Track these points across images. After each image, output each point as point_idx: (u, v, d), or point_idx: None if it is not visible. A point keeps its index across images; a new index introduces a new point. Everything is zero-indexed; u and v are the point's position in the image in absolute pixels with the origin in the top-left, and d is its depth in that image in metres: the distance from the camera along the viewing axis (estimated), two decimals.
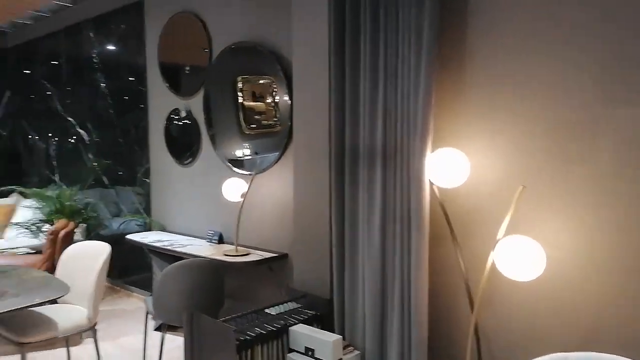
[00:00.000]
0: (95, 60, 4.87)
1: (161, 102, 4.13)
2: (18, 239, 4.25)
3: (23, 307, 2.07)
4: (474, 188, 2.12)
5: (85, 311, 2.63)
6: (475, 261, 2.09)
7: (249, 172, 3.31)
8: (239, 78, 3.40)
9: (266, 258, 3.07)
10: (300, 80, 2.69)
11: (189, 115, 3.85)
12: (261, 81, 3.24)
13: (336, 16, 2.42)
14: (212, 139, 3.67)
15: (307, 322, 2.32)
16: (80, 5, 4.95)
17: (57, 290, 2.28)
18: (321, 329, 2.26)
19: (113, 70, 4.72)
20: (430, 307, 2.18)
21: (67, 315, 2.61)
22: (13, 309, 2.03)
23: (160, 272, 3.72)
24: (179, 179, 4.03)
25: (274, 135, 3.22)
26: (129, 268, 4.54)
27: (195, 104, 3.81)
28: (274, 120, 3.18)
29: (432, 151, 2.04)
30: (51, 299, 2.19)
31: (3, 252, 4.04)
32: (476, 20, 2.10)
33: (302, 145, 2.69)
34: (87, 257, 2.76)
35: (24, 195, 4.68)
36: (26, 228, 4.11)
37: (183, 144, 3.96)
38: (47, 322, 2.47)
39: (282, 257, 3.15)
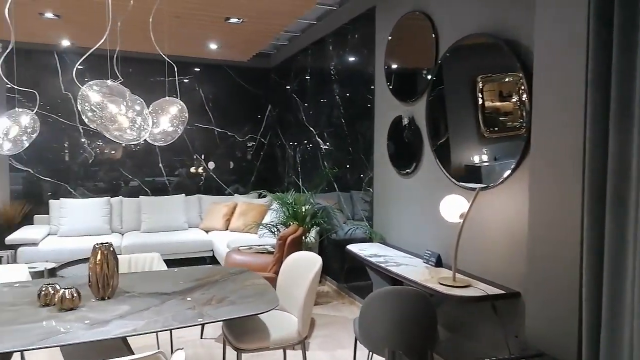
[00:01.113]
0: (332, 72, 5.11)
1: (385, 110, 3.99)
2: (265, 238, 4.78)
3: (233, 318, 2.17)
4: None
5: (296, 323, 2.65)
6: None
7: (474, 186, 2.81)
8: (478, 77, 2.92)
9: (490, 295, 2.53)
10: (543, 76, 2.08)
11: (411, 122, 3.58)
12: (506, 79, 2.70)
13: None
14: (437, 147, 3.30)
15: None
16: (324, 21, 5.28)
17: (268, 304, 2.32)
18: None
19: (346, 80, 4.85)
20: None
21: (280, 324, 2.68)
22: (223, 319, 2.14)
23: (376, 285, 3.57)
24: (399, 190, 3.81)
25: (517, 139, 2.62)
26: (354, 274, 4.58)
27: (418, 110, 3.51)
28: (520, 122, 2.59)
29: None
30: (259, 313, 2.23)
31: (251, 247, 4.60)
32: None
33: (543, 156, 2.08)
34: (302, 267, 2.79)
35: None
36: (269, 229, 4.57)
37: (404, 153, 3.72)
38: (260, 331, 2.57)
39: (512, 296, 2.55)
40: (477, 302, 2.55)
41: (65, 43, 5.98)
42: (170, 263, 5.59)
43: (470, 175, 2.97)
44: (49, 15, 4.75)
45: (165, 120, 2.54)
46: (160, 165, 6.78)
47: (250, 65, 7.09)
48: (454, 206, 2.72)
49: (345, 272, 4.77)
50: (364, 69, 4.42)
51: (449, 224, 2.85)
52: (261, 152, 7.35)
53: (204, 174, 7.03)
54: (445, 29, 3.23)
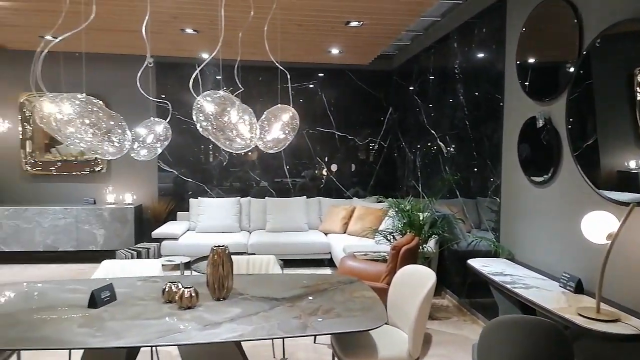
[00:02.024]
0: (456, 71, 4.78)
1: (516, 111, 3.58)
2: (382, 244, 4.65)
3: (336, 333, 2.09)
4: None
5: (406, 341, 2.48)
6: None
7: (628, 199, 2.34)
8: (636, 69, 2.43)
9: None
10: None
11: (548, 123, 3.14)
12: None
13: None
14: (580, 151, 2.84)
15: None
16: (448, 17, 4.97)
17: (375, 320, 2.20)
18: None
19: (471, 79, 4.49)
20: None
21: (390, 340, 2.54)
22: (327, 333, 2.07)
23: (502, 307, 3.21)
24: (531, 200, 3.37)
25: None
26: (477, 289, 4.21)
27: (557, 109, 3.06)
28: None
29: None
30: (364, 330, 2.12)
31: (366, 254, 4.51)
32: None
33: None
34: (414, 282, 2.61)
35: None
36: (384, 236, 4.43)
37: (538, 159, 3.28)
38: (369, 347, 2.46)
39: None
40: (627, 341, 2.11)
41: (204, 56, 6.55)
42: (291, 263, 5.82)
43: (622, 183, 2.48)
44: (189, 31, 5.23)
45: (277, 127, 2.58)
46: (285, 167, 7.06)
47: (372, 68, 7.01)
48: (599, 225, 2.29)
49: (467, 287, 4.41)
50: (492, 66, 4.03)
51: (592, 244, 2.42)
52: (381, 155, 7.23)
53: (325, 176, 7.14)
54: (591, 15, 2.76)
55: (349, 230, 6.15)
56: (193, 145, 6.79)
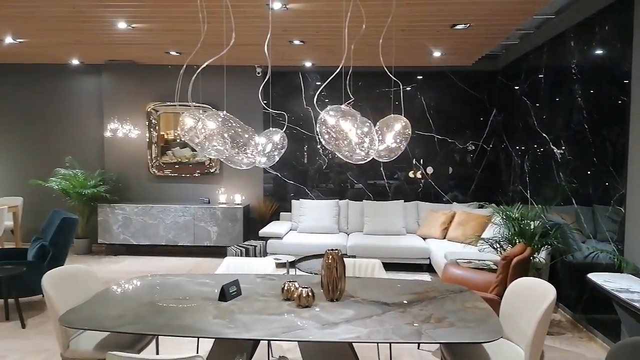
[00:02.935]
0: (573, 71, 4.48)
1: None
2: (486, 253, 4.52)
3: (453, 343, 2.11)
4: None
5: (522, 356, 2.42)
6: None
7: None
8: None
9: None
10: None
11: None
12: None
13: None
14: None
15: None
16: (565, 14, 4.68)
17: (490, 333, 2.19)
18: None
19: (590, 80, 4.19)
20: None
21: (503, 354, 2.50)
22: (443, 342, 2.11)
23: (628, 328, 2.99)
24: None
25: None
26: (596, 305, 3.93)
27: None
28: None
29: None
30: (482, 342, 2.12)
31: (470, 262, 4.41)
32: None
33: None
34: (531, 297, 2.53)
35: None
36: (490, 245, 4.30)
37: None
38: (480, 357, 2.44)
39: None
40: None
41: (308, 64, 6.84)
42: (389, 266, 5.84)
43: None
44: (296, 42, 5.50)
45: (389, 137, 2.65)
46: (382, 169, 7.12)
47: (475, 68, 6.80)
48: None
49: (584, 302, 4.13)
50: (616, 66, 3.74)
51: None
52: (483, 159, 6.98)
53: (422, 180, 7.07)
54: None
55: (449, 236, 6.04)
56: (295, 149, 7.11)
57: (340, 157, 2.28)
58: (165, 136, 7.23)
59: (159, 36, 5.37)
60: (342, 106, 2.21)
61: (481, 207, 5.83)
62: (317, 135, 2.34)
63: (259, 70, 6.97)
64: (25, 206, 6.98)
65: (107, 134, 7.14)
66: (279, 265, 5.41)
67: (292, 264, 5.08)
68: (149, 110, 7.13)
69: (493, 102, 6.88)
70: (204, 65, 2.62)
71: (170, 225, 6.68)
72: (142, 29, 5.07)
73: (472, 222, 5.85)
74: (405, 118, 2.76)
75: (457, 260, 4.53)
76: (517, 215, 4.20)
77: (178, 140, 7.17)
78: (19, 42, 5.72)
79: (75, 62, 7.08)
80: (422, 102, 7.02)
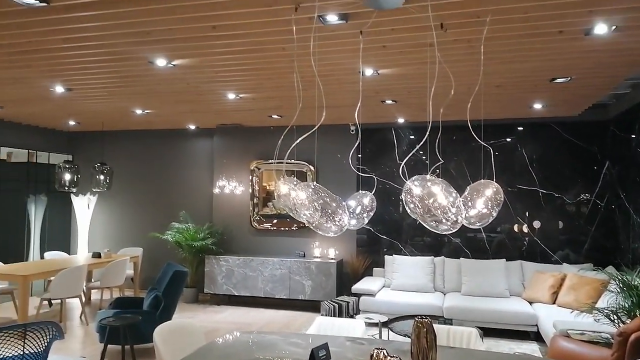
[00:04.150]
0: None
1: None
2: (601, 324, 4.05)
3: None
4: None
5: None
6: None
7: None
8: None
9: None
10: None
11: None
12: None
13: None
14: None
15: None
16: None
17: None
18: None
19: None
20: None
21: None
22: None
23: None
24: None
25: None
26: None
27: None
28: None
29: None
30: None
31: (583, 333, 3.97)
32: None
33: None
34: None
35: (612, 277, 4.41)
36: (606, 315, 3.85)
37: None
38: None
39: None
40: None
41: (400, 120, 6.96)
42: (490, 332, 5.48)
43: None
44: (388, 101, 5.68)
45: (480, 202, 2.60)
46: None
47: (582, 119, 6.39)
48: None
49: None
50: None
51: None
52: (596, 215, 6.37)
53: (527, 237, 6.62)
54: None
55: (559, 301, 5.51)
56: (388, 203, 7.13)
57: (427, 227, 2.30)
58: (267, 187, 7.68)
59: (263, 102, 5.89)
60: (427, 176, 2.25)
61: (596, 270, 5.28)
62: (403, 194, 2.38)
63: (352, 128, 7.24)
64: (144, 256, 7.77)
65: (216, 190, 7.81)
66: (371, 324, 5.35)
67: (385, 324, 4.99)
68: (252, 168, 7.70)
69: (605, 154, 6.35)
70: (300, 140, 2.84)
71: (268, 277, 6.97)
72: (248, 98, 5.61)
73: (586, 286, 5.30)
74: (496, 183, 2.70)
75: (568, 331, 4.11)
76: (636, 282, 3.75)
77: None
78: (147, 112, 6.62)
79: (191, 126, 7.97)
80: (523, 154, 6.70)
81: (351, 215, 3.28)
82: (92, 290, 7.14)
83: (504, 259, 6.40)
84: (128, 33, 3.42)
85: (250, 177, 7.71)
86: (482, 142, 3.00)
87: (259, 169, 7.69)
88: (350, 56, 3.93)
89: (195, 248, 7.28)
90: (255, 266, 7.04)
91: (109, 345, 4.54)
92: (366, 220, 3.32)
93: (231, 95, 5.46)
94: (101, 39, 3.56)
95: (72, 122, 7.62)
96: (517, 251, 6.63)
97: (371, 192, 3.43)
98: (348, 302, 6.14)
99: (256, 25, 3.26)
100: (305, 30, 3.29)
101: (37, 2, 2.87)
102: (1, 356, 3.38)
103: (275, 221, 7.57)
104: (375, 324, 5.04)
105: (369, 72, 4.38)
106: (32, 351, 3.46)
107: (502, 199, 2.63)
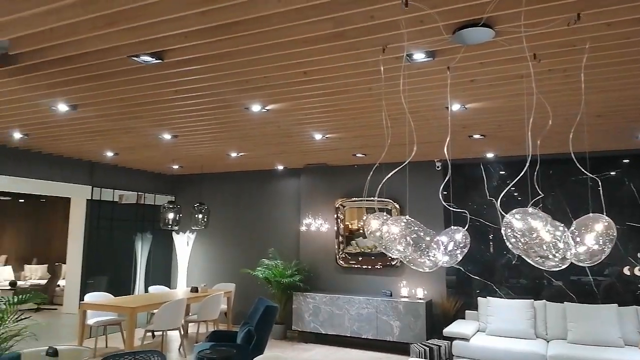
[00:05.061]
0: None
1: None
2: None
3: None
4: None
5: None
6: None
7: None
8: None
9: None
10: None
11: None
12: None
13: None
14: None
15: None
16: None
17: None
18: None
19: None
20: None
21: None
22: None
23: None
24: None
25: None
26: None
27: None
28: None
29: None
30: None
31: None
32: None
33: None
34: None
35: None
36: None
37: None
38: None
39: None
40: None
41: (489, 155, 6.74)
42: None
43: None
44: (476, 136, 5.55)
45: (590, 238, 2.42)
46: (585, 265, 6.23)
47: None
48: None
49: None
50: None
51: None
52: None
53: None
54: None
55: None
56: (480, 241, 6.82)
57: (532, 263, 2.18)
58: (350, 226, 7.74)
59: (348, 142, 6.04)
60: (529, 209, 2.15)
61: None
62: (503, 229, 2.29)
63: (438, 164, 7.13)
64: (236, 291, 8.09)
65: (303, 228, 8.01)
66: None
67: None
68: (337, 205, 7.82)
69: None
70: (388, 176, 2.88)
71: (355, 316, 6.89)
72: (334, 137, 5.80)
73: None
74: (607, 217, 2.50)
75: None
76: None
77: (362, 231, 7.60)
78: (240, 155, 7.07)
79: (279, 167, 8.35)
80: (631, 188, 6.12)
81: (444, 253, 3.20)
82: (189, 324, 7.53)
83: (616, 304, 5.76)
84: (230, 82, 3.76)
85: (335, 215, 7.82)
86: (589, 174, 2.81)
87: (343, 206, 7.79)
88: (436, 92, 3.95)
89: (284, 284, 7.45)
90: (342, 304, 7.01)
91: None
92: (460, 257, 3.23)
93: (318, 136, 5.68)
94: (207, 89, 3.94)
95: (175, 166, 8.35)
96: (631, 295, 5.94)
97: (464, 228, 3.34)
98: (440, 346, 5.85)
99: (345, 68, 3.42)
100: (393, 70, 3.39)
101: (154, 59, 3.27)
102: None
103: (360, 259, 7.54)
104: None
105: (456, 107, 4.35)
106: None
107: (614, 235, 2.43)
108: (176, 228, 7.83)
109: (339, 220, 7.78)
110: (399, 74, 3.41)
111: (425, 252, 2.29)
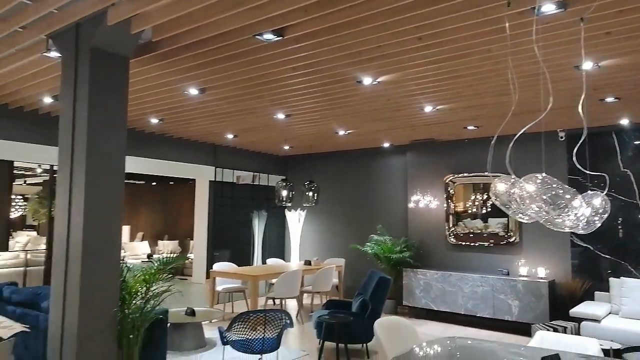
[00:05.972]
0: None
1: None
2: None
3: None
4: None
5: None
6: None
7: None
8: None
9: None
10: None
11: None
12: None
13: None
14: None
15: None
16: None
17: None
18: None
19: None
20: None
21: None
22: None
23: None
24: None
25: None
26: None
27: None
28: None
29: None
30: None
31: None
32: None
33: None
34: None
35: None
36: None
37: None
38: None
39: None
40: None
41: (624, 122, 6.05)
42: None
43: None
44: (609, 99, 5.01)
45: None
46: None
47: None
48: None
49: None
50: None
51: None
52: None
53: None
54: None
55: None
56: (610, 217, 6.17)
57: None
58: (456, 209, 7.49)
59: (459, 113, 5.82)
60: None
61: None
62: None
63: (562, 134, 6.57)
64: (346, 266, 8.32)
65: (411, 205, 7.94)
66: (601, 352, 4.67)
67: (617, 354, 4.31)
68: (446, 181, 7.61)
69: None
70: (517, 136, 2.75)
71: (469, 294, 6.70)
72: (444, 109, 5.63)
73: None
74: None
75: None
76: None
77: (469, 212, 7.33)
78: (348, 133, 7.19)
79: (385, 145, 8.33)
80: None
81: (583, 217, 2.99)
82: (304, 294, 7.93)
83: None
84: (343, 55, 3.83)
85: (445, 191, 7.61)
86: None
87: (453, 182, 7.55)
88: (564, 49, 3.64)
89: (393, 260, 7.47)
90: (454, 282, 6.86)
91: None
92: (598, 224, 2.99)
93: (428, 108, 5.56)
94: (320, 64, 4.06)
95: (286, 147, 8.75)
96: None
97: (603, 193, 3.08)
98: (566, 327, 5.47)
99: (463, 29, 3.29)
100: (517, 27, 3.19)
101: (275, 36, 3.45)
102: (249, 337, 4.03)
103: (471, 236, 7.28)
104: (607, 352, 4.38)
105: (587, 65, 3.97)
106: (270, 336, 4.03)
107: None
108: (290, 204, 8.23)
109: (449, 196, 7.57)
110: (525, 30, 3.20)
111: (566, 211, 2.16)
